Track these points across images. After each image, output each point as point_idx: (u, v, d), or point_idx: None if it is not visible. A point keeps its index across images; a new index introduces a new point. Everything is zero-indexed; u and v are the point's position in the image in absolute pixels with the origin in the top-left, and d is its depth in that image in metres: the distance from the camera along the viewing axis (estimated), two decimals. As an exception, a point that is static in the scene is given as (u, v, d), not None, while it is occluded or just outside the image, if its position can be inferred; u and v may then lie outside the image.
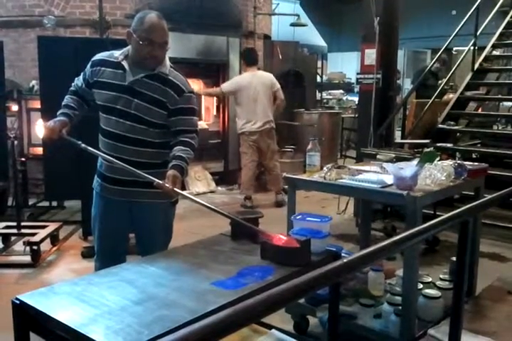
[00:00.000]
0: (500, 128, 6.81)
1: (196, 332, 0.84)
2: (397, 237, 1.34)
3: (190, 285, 1.71)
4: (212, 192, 6.53)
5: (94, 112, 2.50)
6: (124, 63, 2.35)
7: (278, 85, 5.80)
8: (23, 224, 4.30)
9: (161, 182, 2.14)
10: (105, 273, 1.86)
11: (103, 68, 2.40)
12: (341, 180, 2.68)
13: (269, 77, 5.80)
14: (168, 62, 2.40)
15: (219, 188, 6.71)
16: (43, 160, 5.04)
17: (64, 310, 1.52)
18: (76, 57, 4.02)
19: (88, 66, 2.47)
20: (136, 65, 2.34)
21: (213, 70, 6.95)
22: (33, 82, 5.69)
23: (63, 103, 2.51)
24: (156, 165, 2.40)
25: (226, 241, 2.17)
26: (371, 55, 5.11)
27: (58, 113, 2.45)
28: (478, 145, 5.87)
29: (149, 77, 2.34)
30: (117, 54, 2.40)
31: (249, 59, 5.83)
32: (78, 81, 2.55)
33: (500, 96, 6.97)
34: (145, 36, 2.26)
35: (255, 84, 5.63)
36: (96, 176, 2.56)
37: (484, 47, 6.24)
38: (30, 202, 5.39)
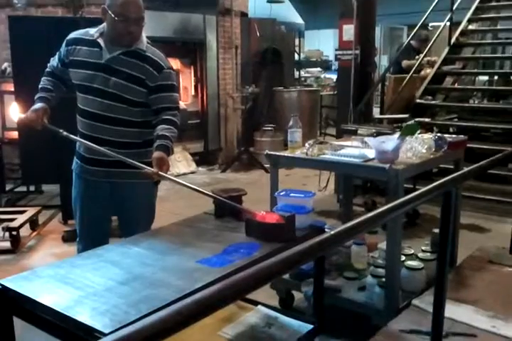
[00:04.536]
0: (476, 102, 6.87)
1: (186, 307, 0.83)
2: (382, 209, 1.34)
3: (176, 264, 1.70)
4: (193, 172, 6.51)
5: (71, 93, 2.43)
6: (100, 41, 2.29)
7: None
8: (0, 209, 4.24)
9: (146, 169, 2.11)
10: (88, 255, 1.84)
11: (78, 46, 2.33)
12: (323, 156, 2.68)
13: None
14: (145, 39, 2.33)
15: (199, 169, 6.69)
16: (18, 144, 4.93)
17: (48, 293, 1.50)
18: (49, 37, 3.91)
19: (63, 45, 2.39)
20: (113, 42, 2.28)
21: (190, 49, 6.85)
22: (5, 65, 5.53)
23: (40, 86, 2.43)
24: (137, 144, 2.36)
25: (210, 219, 2.16)
26: (349, 30, 5.07)
27: (36, 97, 2.38)
28: (455, 119, 5.92)
29: (126, 54, 2.28)
30: (93, 31, 2.33)
31: None
32: (54, 61, 2.47)
33: (476, 70, 7.02)
34: (120, 12, 2.19)
35: None
36: (75, 157, 2.51)
37: (460, 22, 6.24)
38: (8, 187, 5.28)
